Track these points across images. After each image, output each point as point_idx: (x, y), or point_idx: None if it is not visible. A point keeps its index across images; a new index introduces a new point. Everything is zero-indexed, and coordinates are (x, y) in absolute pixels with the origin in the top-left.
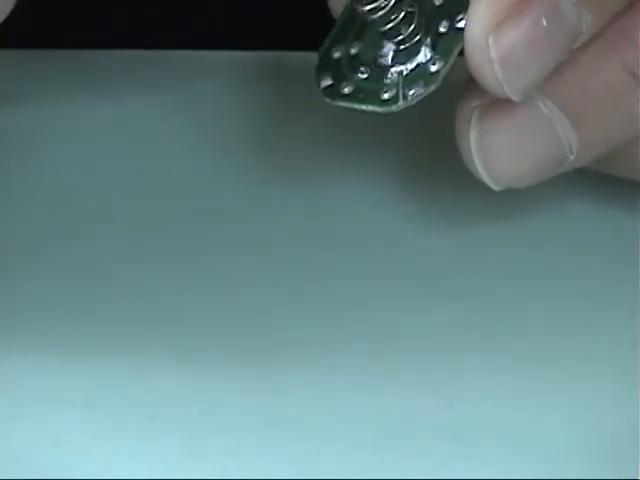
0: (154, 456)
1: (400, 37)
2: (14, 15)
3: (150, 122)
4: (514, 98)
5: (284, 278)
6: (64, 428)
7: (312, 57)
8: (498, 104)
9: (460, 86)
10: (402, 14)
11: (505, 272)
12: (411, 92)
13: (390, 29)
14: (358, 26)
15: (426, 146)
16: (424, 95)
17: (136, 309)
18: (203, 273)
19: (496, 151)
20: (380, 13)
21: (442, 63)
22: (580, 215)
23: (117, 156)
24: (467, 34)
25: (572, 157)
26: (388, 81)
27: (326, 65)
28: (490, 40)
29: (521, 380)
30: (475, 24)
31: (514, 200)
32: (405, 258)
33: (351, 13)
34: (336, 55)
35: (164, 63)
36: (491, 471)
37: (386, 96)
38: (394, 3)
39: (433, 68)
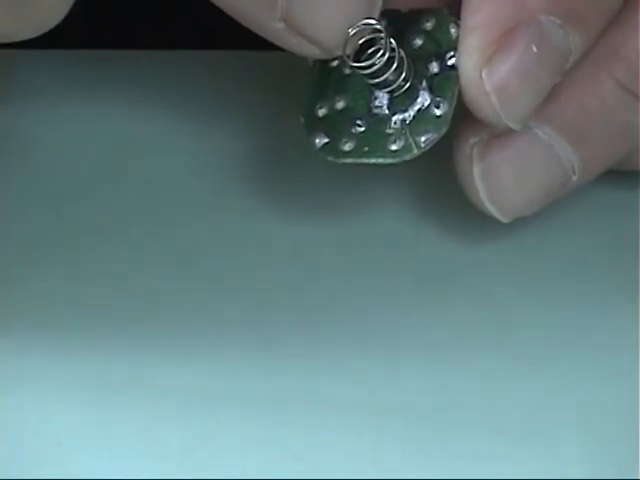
0: (154, 456)
1: (393, 86)
2: None
3: (150, 122)
4: (514, 127)
5: (284, 277)
6: (65, 428)
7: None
8: (497, 137)
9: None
10: (394, 66)
11: (505, 272)
12: (423, 139)
13: (382, 80)
14: (335, 79)
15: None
16: (437, 139)
17: (136, 309)
18: (202, 273)
19: (501, 184)
20: (374, 68)
21: (447, 105)
22: (580, 215)
23: (116, 156)
24: (460, 71)
25: (575, 177)
26: (391, 130)
27: (314, 123)
28: (484, 74)
29: (521, 380)
30: (467, 60)
31: None
32: (405, 257)
33: (322, 69)
34: (321, 112)
35: (164, 63)
36: (491, 471)
37: (395, 147)
38: (387, 58)
39: (438, 112)
